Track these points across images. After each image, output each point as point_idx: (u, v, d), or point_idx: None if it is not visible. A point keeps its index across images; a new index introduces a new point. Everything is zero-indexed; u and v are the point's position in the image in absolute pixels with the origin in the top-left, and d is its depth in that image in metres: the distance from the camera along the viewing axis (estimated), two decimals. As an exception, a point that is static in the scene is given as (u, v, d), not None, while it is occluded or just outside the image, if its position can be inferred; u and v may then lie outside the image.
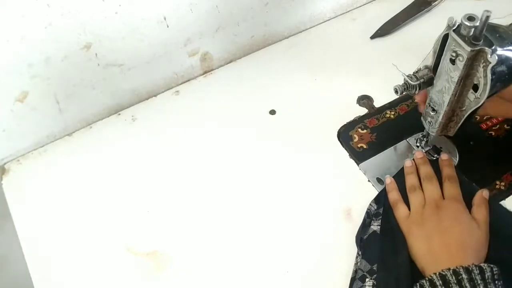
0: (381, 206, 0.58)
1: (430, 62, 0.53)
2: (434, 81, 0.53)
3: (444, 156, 0.61)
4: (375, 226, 0.57)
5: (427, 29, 0.81)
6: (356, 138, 0.68)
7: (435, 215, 0.53)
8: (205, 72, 0.80)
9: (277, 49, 0.83)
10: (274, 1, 0.77)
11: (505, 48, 0.46)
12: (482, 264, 0.46)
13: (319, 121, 0.71)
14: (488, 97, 0.48)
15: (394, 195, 0.58)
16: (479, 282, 0.44)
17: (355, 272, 0.54)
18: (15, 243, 0.62)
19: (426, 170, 0.59)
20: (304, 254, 0.57)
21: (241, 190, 0.64)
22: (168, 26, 0.69)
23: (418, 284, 0.47)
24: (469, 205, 0.56)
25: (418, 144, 0.64)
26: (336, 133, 0.69)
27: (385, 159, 0.65)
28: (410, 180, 0.59)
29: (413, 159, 0.61)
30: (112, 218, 0.63)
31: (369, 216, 0.58)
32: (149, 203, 0.64)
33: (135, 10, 0.64)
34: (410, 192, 0.57)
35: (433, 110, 0.55)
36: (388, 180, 0.60)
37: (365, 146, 0.67)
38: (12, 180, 0.68)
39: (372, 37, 0.83)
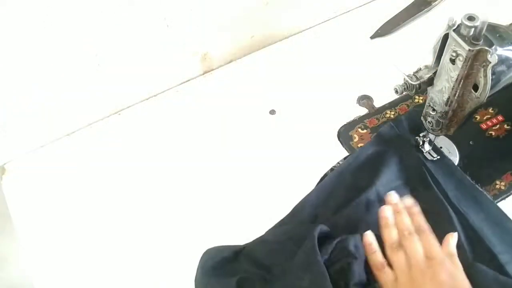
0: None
1: (430, 62, 0.52)
2: (434, 81, 0.53)
3: (408, 201, 0.52)
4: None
5: (427, 29, 0.81)
6: (356, 138, 0.68)
7: (427, 279, 0.46)
8: (205, 72, 0.80)
9: (277, 49, 0.83)
10: (274, 1, 0.77)
11: (505, 48, 0.46)
12: None
13: (319, 121, 0.71)
14: (488, 97, 0.48)
15: (378, 258, 0.49)
16: None
17: None
18: (15, 243, 0.62)
19: (404, 223, 0.50)
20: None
21: (241, 190, 0.64)
22: (168, 26, 0.69)
23: None
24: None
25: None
26: (336, 133, 0.69)
27: (385, 159, 0.65)
28: (389, 235, 0.50)
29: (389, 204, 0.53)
30: (112, 218, 0.63)
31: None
32: (149, 203, 0.64)
33: (135, 10, 0.65)
34: (392, 251, 0.49)
35: (433, 110, 0.55)
36: (368, 239, 0.50)
37: (365, 146, 0.67)
38: (12, 180, 0.68)
39: (372, 37, 0.83)
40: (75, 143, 0.72)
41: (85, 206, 0.64)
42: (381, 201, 0.57)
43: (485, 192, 0.58)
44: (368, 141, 0.66)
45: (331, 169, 0.64)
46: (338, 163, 0.64)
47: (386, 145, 0.64)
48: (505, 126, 0.66)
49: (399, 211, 0.51)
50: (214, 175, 0.66)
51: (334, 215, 0.57)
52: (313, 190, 0.61)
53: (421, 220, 0.50)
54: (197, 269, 0.53)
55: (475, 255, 0.53)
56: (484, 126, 0.66)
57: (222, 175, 0.66)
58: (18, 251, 0.61)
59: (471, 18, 0.44)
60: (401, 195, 0.56)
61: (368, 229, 0.52)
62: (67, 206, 0.65)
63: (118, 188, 0.66)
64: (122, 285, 0.57)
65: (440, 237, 0.51)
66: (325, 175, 0.63)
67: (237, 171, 0.66)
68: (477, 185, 0.59)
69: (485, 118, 0.67)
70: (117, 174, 0.67)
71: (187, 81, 0.79)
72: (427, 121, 0.58)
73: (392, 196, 0.53)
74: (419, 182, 0.60)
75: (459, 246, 0.52)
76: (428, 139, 0.62)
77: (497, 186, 0.60)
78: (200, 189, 0.65)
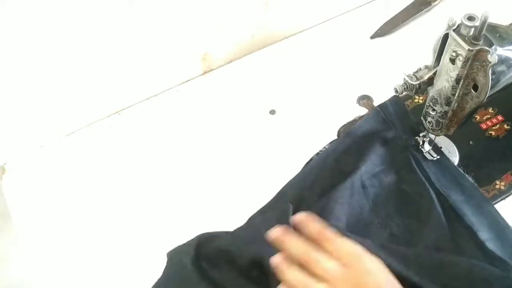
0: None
1: (430, 62, 0.52)
2: (434, 81, 0.53)
3: (298, 218, 0.42)
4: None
5: (427, 29, 0.81)
6: (356, 138, 0.68)
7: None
8: (205, 72, 0.80)
9: (277, 49, 0.83)
10: (274, 1, 0.77)
11: (505, 48, 0.46)
12: None
13: (319, 121, 0.71)
14: (488, 97, 0.48)
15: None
16: None
17: None
18: (15, 243, 0.62)
19: (294, 248, 0.40)
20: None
21: (241, 191, 0.64)
22: (168, 26, 0.69)
23: None
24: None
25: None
26: (336, 133, 0.69)
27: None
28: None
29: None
30: (112, 218, 0.63)
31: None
32: (149, 203, 0.64)
33: (135, 10, 0.64)
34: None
35: (433, 110, 0.55)
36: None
37: (365, 146, 0.66)
38: (12, 180, 0.68)
39: (372, 37, 0.83)
40: (75, 143, 0.72)
41: (85, 206, 0.64)
42: (365, 187, 0.59)
43: (467, 176, 0.59)
44: (354, 126, 0.66)
45: (317, 154, 0.65)
46: (324, 147, 0.65)
47: (372, 129, 0.65)
48: (505, 126, 0.66)
49: (284, 240, 0.41)
50: (214, 175, 0.66)
51: (319, 199, 0.57)
52: (298, 173, 0.62)
53: (317, 227, 0.41)
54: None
55: (455, 234, 0.54)
56: (484, 126, 0.66)
57: (222, 175, 0.66)
58: (18, 251, 0.61)
59: (471, 18, 0.44)
60: (384, 178, 0.59)
61: (351, 214, 0.55)
62: (67, 206, 0.64)
63: (118, 188, 0.66)
64: (122, 284, 0.57)
65: (422, 219, 0.53)
66: (311, 159, 0.64)
67: (237, 171, 0.66)
68: (459, 168, 0.60)
69: (485, 118, 0.67)
70: (117, 174, 0.67)
71: (187, 81, 0.79)
72: (427, 121, 0.58)
73: (273, 233, 0.41)
74: (403, 166, 0.61)
75: (440, 226, 0.53)
76: (428, 139, 0.62)
77: (497, 186, 0.60)
78: (200, 189, 0.65)
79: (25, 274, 0.59)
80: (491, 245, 0.52)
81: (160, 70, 0.75)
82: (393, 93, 0.55)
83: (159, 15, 0.67)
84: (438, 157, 0.62)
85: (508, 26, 0.49)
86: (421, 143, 0.62)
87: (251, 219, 0.58)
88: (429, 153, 0.63)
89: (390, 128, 0.64)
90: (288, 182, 0.61)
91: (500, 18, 0.50)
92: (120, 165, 0.68)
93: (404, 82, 0.53)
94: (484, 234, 0.53)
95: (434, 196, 0.57)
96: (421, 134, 0.62)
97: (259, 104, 0.74)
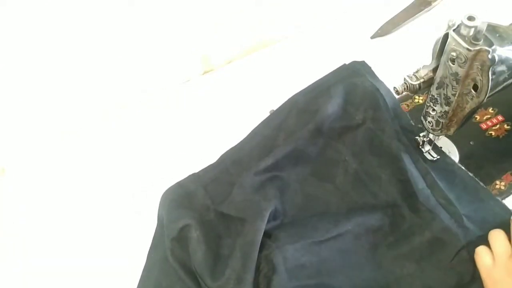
0: None
1: (430, 62, 0.52)
2: (434, 81, 0.53)
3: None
4: None
5: (427, 29, 0.81)
6: (356, 138, 0.67)
7: None
8: (205, 72, 0.80)
9: (277, 49, 0.83)
10: (274, 1, 0.77)
11: (505, 48, 0.46)
12: None
13: (319, 121, 0.71)
14: (488, 97, 0.48)
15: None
16: None
17: None
18: (15, 243, 0.63)
19: None
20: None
21: (241, 190, 0.64)
22: (168, 26, 0.69)
23: None
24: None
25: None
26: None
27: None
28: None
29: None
30: (112, 218, 0.63)
31: None
32: (149, 203, 0.64)
33: (135, 10, 0.65)
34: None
35: (433, 110, 0.55)
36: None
37: (365, 146, 0.66)
38: (12, 180, 0.68)
39: (372, 37, 0.83)
40: (75, 143, 0.72)
41: (85, 206, 0.64)
42: (327, 136, 0.61)
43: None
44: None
45: None
46: None
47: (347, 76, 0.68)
48: (505, 126, 0.66)
49: None
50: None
51: (285, 141, 0.62)
52: (270, 115, 0.67)
53: None
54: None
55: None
56: (484, 126, 0.66)
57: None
58: (18, 251, 0.62)
59: (471, 18, 0.44)
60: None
61: (315, 161, 0.61)
62: (67, 206, 0.65)
63: (118, 188, 0.66)
64: (123, 284, 0.57)
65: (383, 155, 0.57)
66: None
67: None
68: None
69: (485, 118, 0.67)
70: (117, 174, 0.67)
71: (187, 81, 0.79)
72: (427, 121, 0.58)
73: None
74: (370, 106, 0.63)
75: (397, 160, 0.57)
76: (428, 139, 0.62)
77: (497, 186, 0.60)
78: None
79: (25, 275, 0.59)
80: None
81: (160, 69, 0.75)
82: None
83: (159, 15, 0.67)
84: (438, 157, 0.62)
85: (508, 26, 0.49)
86: (421, 143, 0.62)
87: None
88: (429, 153, 0.63)
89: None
90: (260, 123, 0.66)
91: (500, 18, 0.50)
92: (120, 165, 0.68)
93: (404, 82, 0.53)
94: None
95: (395, 133, 0.60)
96: (421, 134, 0.62)
97: (259, 104, 0.74)
